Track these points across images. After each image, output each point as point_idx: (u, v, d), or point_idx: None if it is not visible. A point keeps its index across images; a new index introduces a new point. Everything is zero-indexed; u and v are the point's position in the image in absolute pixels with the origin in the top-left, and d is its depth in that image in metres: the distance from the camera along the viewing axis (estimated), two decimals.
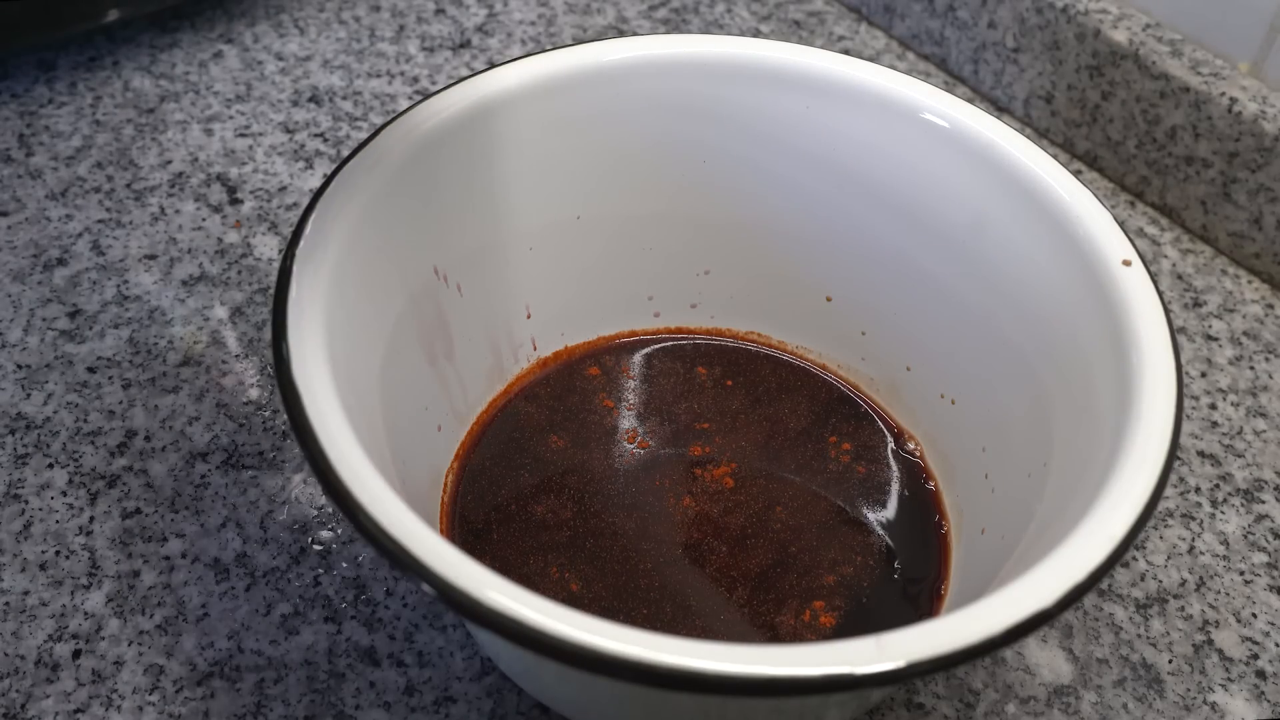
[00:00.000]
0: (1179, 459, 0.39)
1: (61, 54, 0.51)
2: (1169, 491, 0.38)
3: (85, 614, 0.33)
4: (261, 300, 0.42)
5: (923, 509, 0.35)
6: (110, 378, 0.39)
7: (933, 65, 0.54)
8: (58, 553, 0.35)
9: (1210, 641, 0.35)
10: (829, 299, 0.38)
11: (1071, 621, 0.35)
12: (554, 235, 0.36)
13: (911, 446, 0.37)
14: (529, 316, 0.37)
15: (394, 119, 0.32)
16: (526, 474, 0.35)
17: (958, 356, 0.35)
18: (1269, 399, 0.41)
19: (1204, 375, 0.42)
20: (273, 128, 0.49)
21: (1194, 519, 0.38)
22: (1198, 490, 0.38)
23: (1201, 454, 0.39)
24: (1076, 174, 0.41)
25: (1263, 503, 0.38)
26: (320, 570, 0.35)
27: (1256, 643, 0.35)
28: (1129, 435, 0.26)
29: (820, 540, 0.34)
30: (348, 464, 0.24)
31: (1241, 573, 0.36)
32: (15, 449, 0.37)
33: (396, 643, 0.33)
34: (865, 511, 0.35)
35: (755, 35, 0.54)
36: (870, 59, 0.43)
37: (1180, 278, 0.45)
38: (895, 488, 0.36)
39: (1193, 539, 0.37)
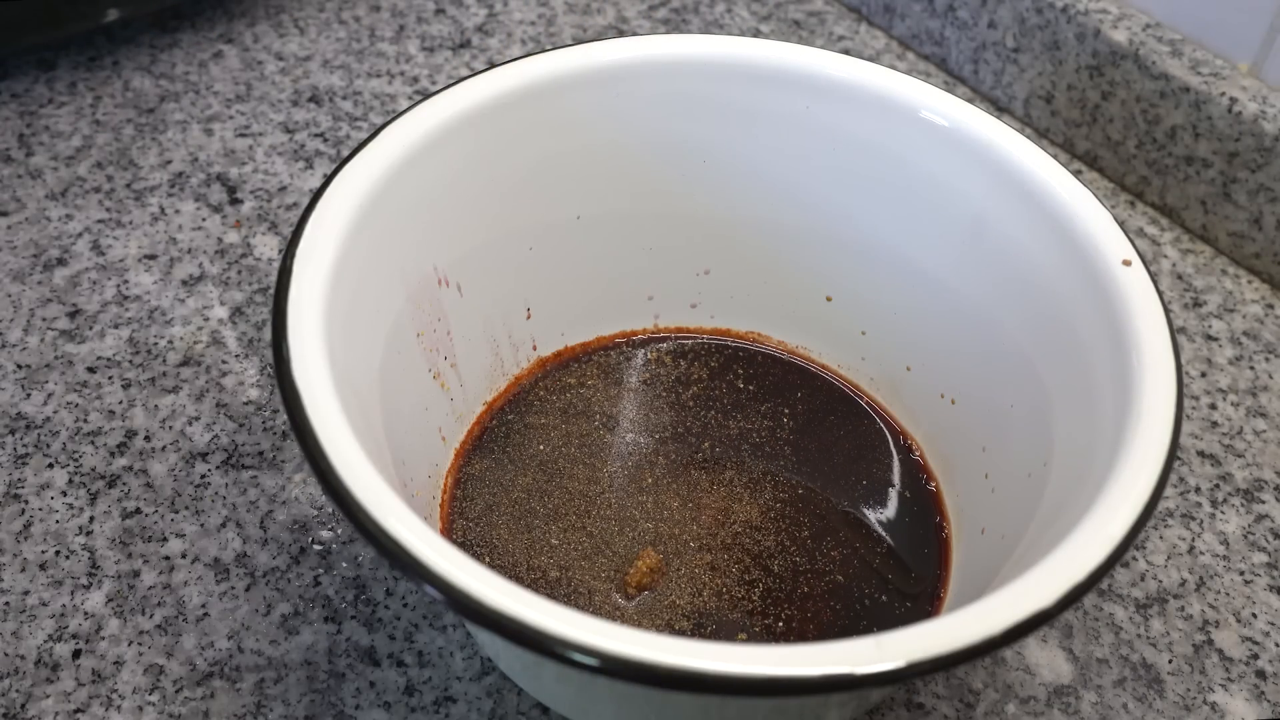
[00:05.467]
0: (1179, 459, 0.39)
1: (61, 54, 0.51)
2: (1169, 491, 0.38)
3: (85, 614, 0.33)
4: (261, 300, 0.42)
5: (923, 509, 0.35)
6: (110, 378, 0.39)
7: (933, 65, 0.54)
8: (58, 553, 0.35)
9: (1210, 641, 0.35)
10: (829, 299, 0.38)
11: (1071, 621, 0.35)
12: (554, 235, 0.36)
13: (911, 446, 0.37)
14: (529, 316, 0.37)
15: (394, 119, 0.32)
16: (526, 474, 0.35)
17: (958, 356, 0.35)
18: (1269, 399, 0.41)
19: (1204, 375, 0.42)
20: (273, 128, 0.49)
21: (1194, 519, 0.38)
22: (1198, 490, 0.38)
23: (1201, 454, 0.39)
24: (1076, 174, 0.41)
25: (1263, 503, 0.38)
26: (320, 570, 0.35)
27: (1256, 643, 0.35)
28: (1129, 435, 0.26)
29: (820, 540, 0.34)
30: (348, 464, 0.24)
31: (1241, 573, 0.36)
32: (15, 449, 0.37)
33: (396, 643, 0.33)
34: (865, 511, 0.35)
35: (755, 35, 0.54)
36: (870, 59, 0.43)
37: (1180, 278, 0.45)
38: (895, 488, 0.36)
39: (1193, 539, 0.37)
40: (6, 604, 0.33)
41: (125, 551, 0.35)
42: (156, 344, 0.40)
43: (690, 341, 0.40)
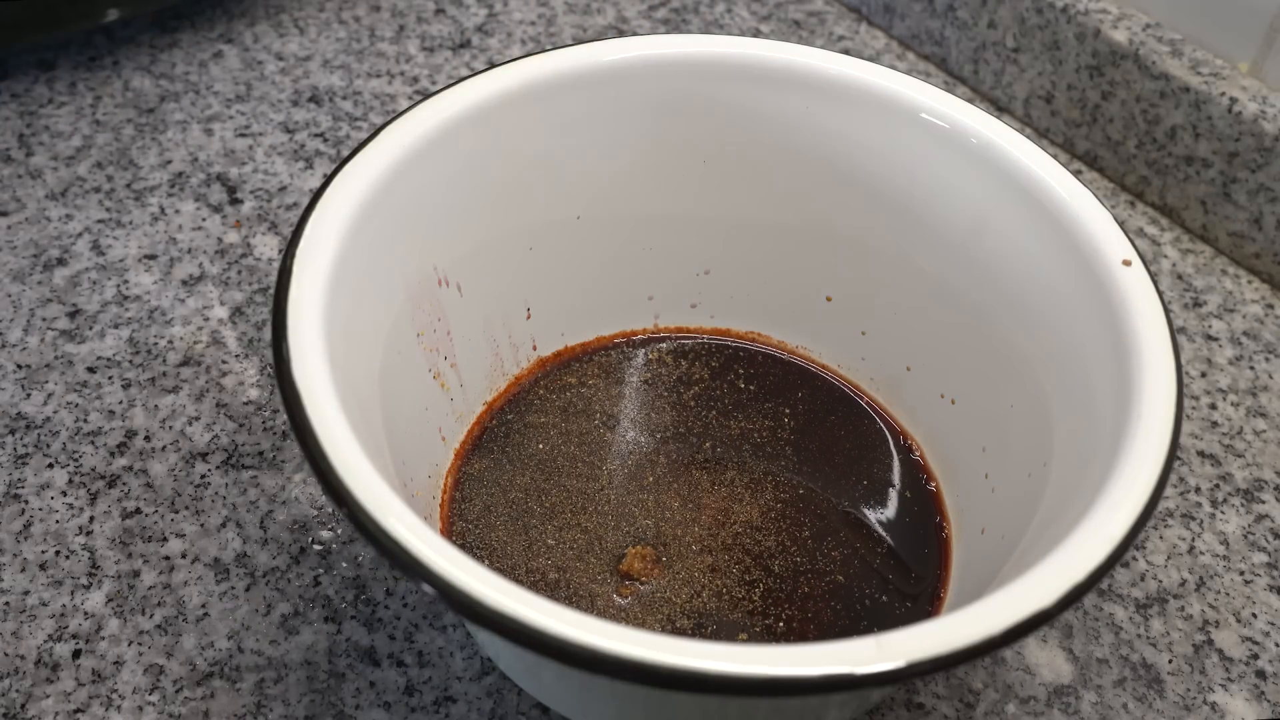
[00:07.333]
0: (1179, 459, 0.39)
1: (61, 54, 0.51)
2: (1169, 491, 0.38)
3: (85, 614, 0.33)
4: (261, 300, 0.42)
5: (923, 509, 0.35)
6: (110, 378, 0.39)
7: (933, 65, 0.54)
8: (58, 553, 0.35)
9: (1210, 641, 0.35)
10: (829, 299, 0.38)
11: (1071, 621, 0.35)
12: (554, 235, 0.36)
13: (911, 446, 0.37)
14: (529, 316, 0.37)
15: (394, 119, 0.32)
16: (526, 474, 0.35)
17: (958, 356, 0.35)
18: (1269, 399, 0.41)
19: (1204, 375, 0.42)
20: (273, 128, 0.49)
21: (1194, 519, 0.38)
22: (1198, 490, 0.38)
23: (1201, 454, 0.39)
24: (1076, 174, 0.41)
25: (1263, 503, 0.38)
26: (320, 570, 0.35)
27: (1256, 643, 0.35)
28: (1129, 435, 0.26)
29: (820, 540, 0.34)
30: (348, 464, 0.24)
31: (1241, 573, 0.36)
32: (15, 449, 0.37)
33: (396, 643, 0.33)
34: (865, 511, 0.35)
35: (755, 35, 0.54)
36: (870, 59, 0.43)
37: (1180, 278, 0.45)
38: (895, 488, 0.36)
39: (1193, 539, 0.37)
40: (6, 604, 0.33)
41: (125, 551, 0.35)
42: (156, 344, 0.40)
43: (690, 341, 0.40)
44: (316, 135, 0.48)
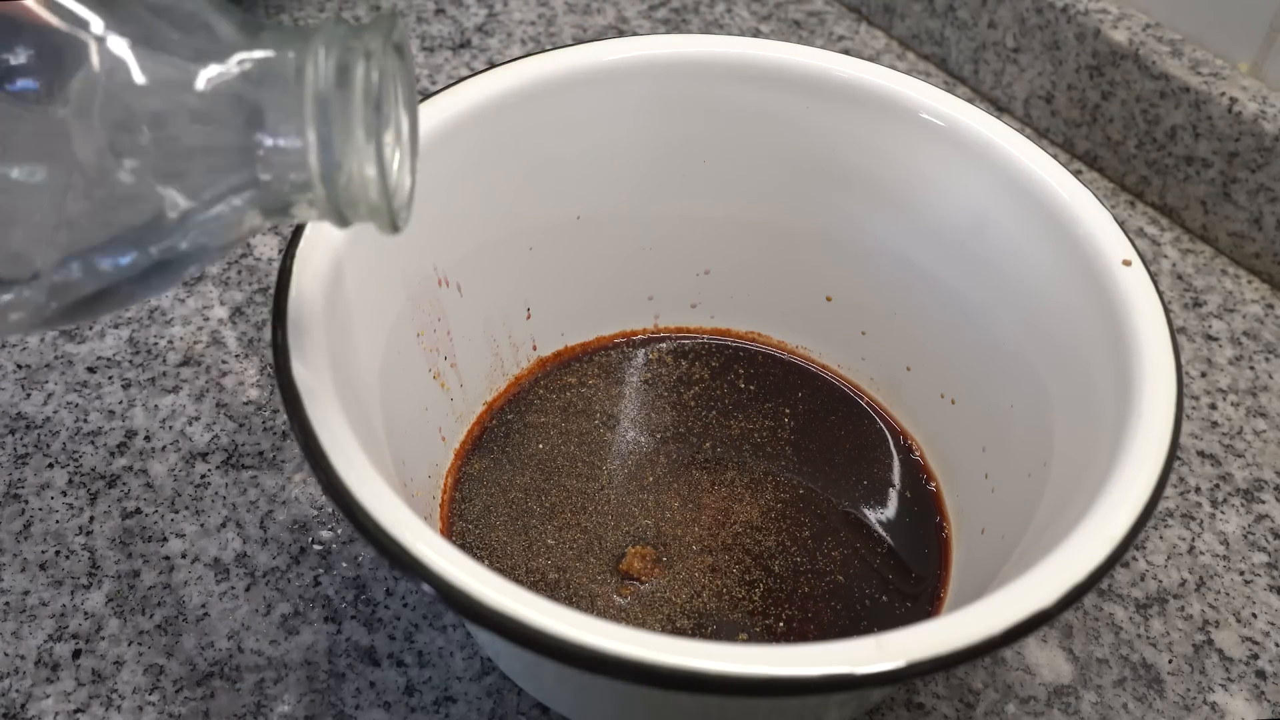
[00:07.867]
0: (1179, 459, 0.39)
1: None
2: (1169, 491, 0.38)
3: (85, 614, 0.33)
4: (261, 300, 0.42)
5: (923, 509, 0.35)
6: (110, 378, 0.39)
7: (933, 65, 0.54)
8: (58, 553, 0.35)
9: (1210, 641, 0.35)
10: (829, 299, 0.38)
11: (1071, 621, 0.35)
12: (554, 235, 0.36)
13: (911, 446, 0.37)
14: (529, 316, 0.37)
15: None
16: (526, 474, 0.35)
17: (958, 356, 0.35)
18: (1269, 399, 0.41)
19: (1204, 375, 0.42)
20: None
21: (1194, 519, 0.38)
22: (1198, 490, 0.38)
23: (1201, 454, 0.39)
24: (1076, 174, 0.41)
25: (1263, 503, 0.38)
26: (320, 570, 0.35)
27: (1256, 643, 0.35)
28: (1129, 435, 0.26)
29: (820, 540, 0.34)
30: (348, 464, 0.24)
31: (1241, 573, 0.36)
32: (15, 449, 0.37)
33: (396, 643, 0.33)
34: (865, 511, 0.35)
35: (755, 35, 0.54)
36: (870, 59, 0.43)
37: (1180, 278, 0.45)
38: (895, 488, 0.36)
39: (1193, 539, 0.37)
40: (6, 604, 0.33)
41: (125, 551, 0.35)
42: (156, 344, 0.40)
43: (690, 341, 0.40)
44: None
